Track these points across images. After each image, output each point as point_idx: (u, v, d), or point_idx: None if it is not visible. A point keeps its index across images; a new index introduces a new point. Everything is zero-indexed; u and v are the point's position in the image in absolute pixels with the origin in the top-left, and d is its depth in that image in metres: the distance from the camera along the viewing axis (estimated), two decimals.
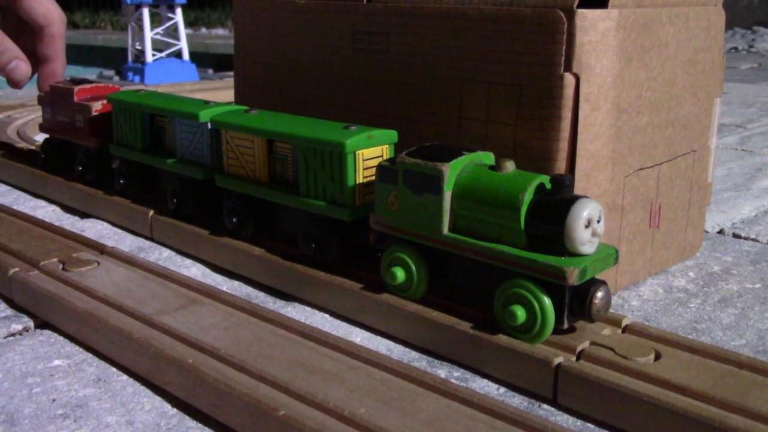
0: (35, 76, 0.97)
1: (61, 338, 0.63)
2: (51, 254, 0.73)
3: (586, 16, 0.62)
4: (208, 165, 0.81)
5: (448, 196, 0.58)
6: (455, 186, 0.58)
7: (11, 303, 0.70)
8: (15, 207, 0.96)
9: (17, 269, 0.70)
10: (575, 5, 0.62)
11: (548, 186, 0.56)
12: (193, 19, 6.19)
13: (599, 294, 0.54)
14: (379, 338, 0.63)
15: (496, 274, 0.57)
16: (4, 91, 2.13)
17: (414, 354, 0.60)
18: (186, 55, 2.44)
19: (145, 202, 0.89)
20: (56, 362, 0.59)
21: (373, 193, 0.65)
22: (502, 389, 0.55)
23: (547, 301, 0.54)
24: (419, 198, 0.59)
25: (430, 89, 0.73)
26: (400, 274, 0.62)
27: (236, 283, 0.74)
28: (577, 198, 0.54)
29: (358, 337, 0.63)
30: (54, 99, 1.00)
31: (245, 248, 0.74)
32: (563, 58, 0.63)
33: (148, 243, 0.85)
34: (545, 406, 0.53)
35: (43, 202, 1.02)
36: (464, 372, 0.57)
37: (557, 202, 0.54)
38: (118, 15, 6.50)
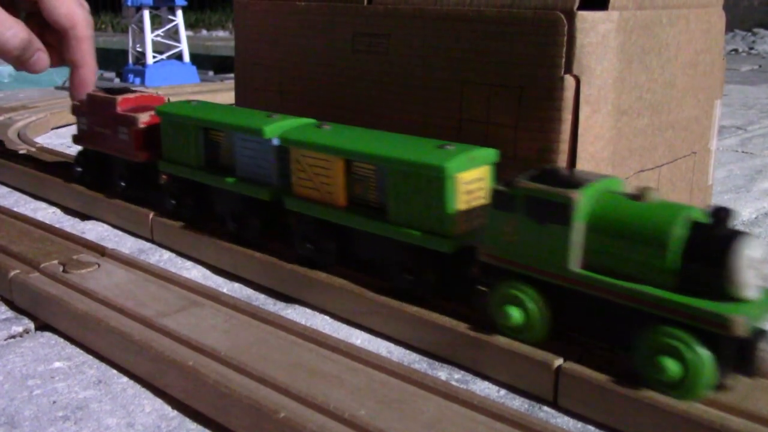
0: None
1: (62, 340, 0.63)
2: (51, 256, 0.73)
3: (586, 18, 0.62)
4: (274, 185, 0.73)
5: (578, 227, 0.51)
6: (589, 216, 0.51)
7: (12, 305, 0.70)
8: (15, 209, 0.95)
9: (18, 271, 0.70)
10: (575, 7, 0.62)
11: (700, 218, 0.49)
12: (193, 21, 6.19)
13: (765, 346, 0.47)
14: (379, 340, 0.63)
15: (637, 318, 0.49)
16: (5, 93, 2.13)
17: (414, 356, 0.60)
18: (186, 57, 2.44)
19: (202, 225, 0.81)
20: (57, 364, 0.59)
21: (474, 220, 0.60)
22: (503, 391, 0.55)
23: (705, 354, 0.47)
24: (542, 228, 0.52)
25: (430, 91, 0.73)
26: (516, 314, 0.54)
27: (237, 285, 0.74)
28: (739, 234, 0.47)
29: (359, 339, 0.63)
30: (92, 109, 0.92)
31: (245, 251, 0.74)
32: (564, 60, 0.63)
33: (148, 245, 0.85)
34: (546, 408, 0.53)
35: (43, 204, 1.02)
36: (465, 374, 0.57)
37: (715, 238, 0.47)
38: (118, 17, 6.50)
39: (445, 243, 0.59)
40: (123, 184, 0.90)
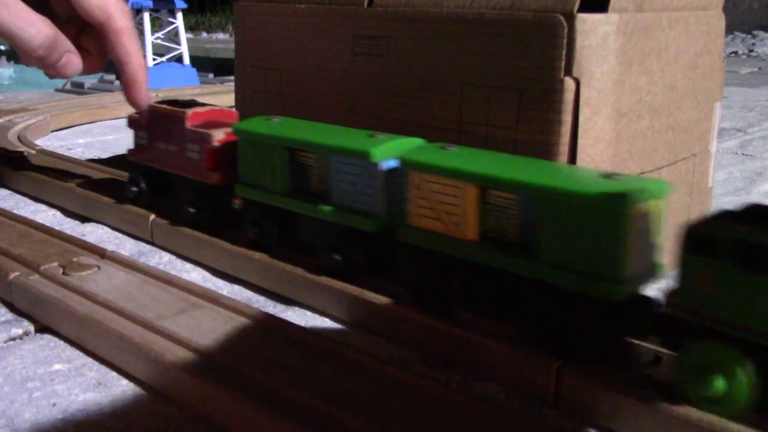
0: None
1: (62, 342, 0.63)
2: (51, 258, 0.73)
3: (586, 21, 0.62)
4: (380, 215, 0.64)
5: None
6: None
7: (11, 307, 0.70)
8: (15, 211, 0.95)
9: (18, 273, 0.70)
10: (575, 9, 0.62)
11: None
12: (193, 23, 6.20)
13: None
14: (379, 342, 0.63)
15: None
16: (5, 95, 2.13)
17: (414, 358, 0.60)
18: (187, 60, 2.44)
19: (288, 256, 0.73)
20: (56, 366, 0.59)
21: (641, 262, 0.52)
22: (503, 393, 0.55)
23: None
24: (758, 280, 0.43)
25: (430, 93, 0.73)
26: (719, 383, 0.46)
27: (236, 287, 0.74)
28: None
29: (359, 341, 0.63)
30: (155, 123, 0.84)
31: (245, 252, 0.74)
32: (563, 62, 0.63)
33: (148, 247, 0.85)
34: (546, 410, 0.53)
35: (43, 206, 1.02)
36: (465, 376, 0.57)
37: None
38: None
39: (615, 289, 0.50)
40: (192, 209, 0.81)
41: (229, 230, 0.78)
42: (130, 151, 0.89)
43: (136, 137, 0.87)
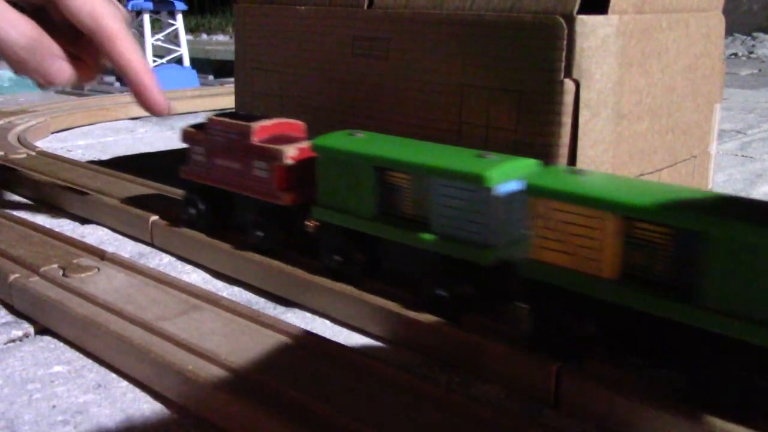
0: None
1: (62, 344, 0.63)
2: (51, 260, 0.73)
3: (586, 22, 0.62)
4: (495, 245, 0.58)
5: None
6: None
7: (11, 309, 0.70)
8: (15, 213, 0.95)
9: (17, 275, 0.70)
10: (575, 11, 0.62)
11: None
12: (193, 25, 6.20)
13: None
14: (379, 344, 0.63)
15: None
16: (5, 97, 2.13)
17: (415, 359, 0.60)
18: (187, 61, 2.44)
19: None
20: (56, 368, 0.59)
21: None
22: (504, 395, 0.55)
23: None
24: None
25: (430, 95, 0.73)
26: None
27: (237, 289, 0.74)
28: None
29: (359, 343, 0.63)
30: (214, 138, 0.77)
31: (246, 254, 0.74)
32: (563, 64, 0.63)
33: (148, 249, 0.85)
34: (546, 411, 0.53)
35: (43, 208, 1.02)
36: (465, 377, 0.57)
37: None
38: None
39: None
40: (259, 232, 0.74)
41: (303, 257, 0.72)
42: (184, 168, 0.81)
43: (192, 153, 0.80)
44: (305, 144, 0.71)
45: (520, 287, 0.57)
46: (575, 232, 0.51)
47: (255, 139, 0.73)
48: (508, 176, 0.57)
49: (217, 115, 0.77)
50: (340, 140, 0.67)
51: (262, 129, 0.73)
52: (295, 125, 0.76)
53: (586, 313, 0.52)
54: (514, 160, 0.59)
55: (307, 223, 0.72)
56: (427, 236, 0.60)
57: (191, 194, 0.80)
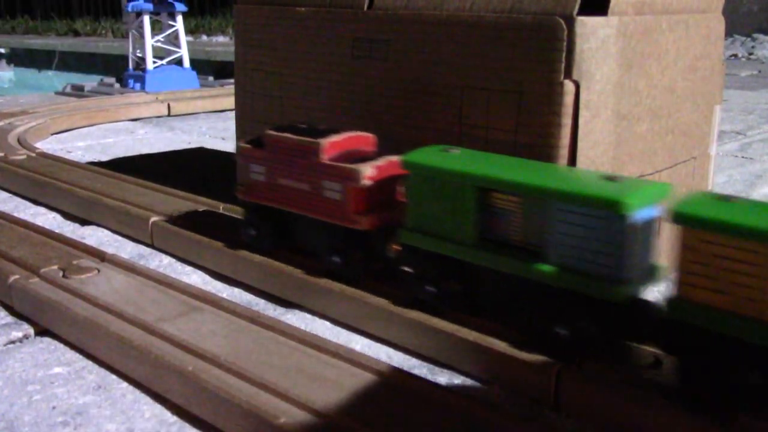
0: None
1: (62, 345, 0.63)
2: (51, 261, 0.73)
3: (586, 24, 0.62)
4: (630, 280, 0.51)
5: None
6: None
7: (11, 310, 0.70)
8: (15, 214, 0.96)
9: (17, 276, 0.70)
10: (575, 12, 0.62)
11: None
12: (193, 26, 6.20)
13: None
14: (379, 345, 0.63)
15: None
16: (5, 98, 2.13)
17: (415, 361, 0.60)
18: (187, 63, 2.44)
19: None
20: (56, 369, 0.59)
21: None
22: (503, 396, 0.55)
23: None
24: None
25: (430, 96, 0.73)
26: None
27: (236, 290, 0.74)
28: None
29: (359, 344, 0.63)
30: (276, 154, 0.71)
31: (245, 255, 0.74)
32: (563, 65, 0.63)
33: (148, 250, 0.85)
34: (546, 412, 0.53)
35: (43, 209, 1.02)
36: (465, 379, 0.57)
37: None
38: (119, 22, 6.52)
39: None
40: (336, 258, 0.67)
41: (386, 287, 0.65)
42: (241, 188, 0.74)
43: (250, 171, 0.73)
44: (382, 161, 0.65)
45: (660, 329, 0.50)
46: (733, 268, 0.45)
47: (324, 157, 0.66)
48: (645, 202, 0.51)
49: (276, 129, 0.71)
50: (434, 157, 0.60)
51: (331, 145, 0.67)
52: (365, 138, 0.70)
53: (747, 362, 0.45)
54: (647, 184, 0.54)
55: (389, 247, 0.65)
56: (543, 267, 0.53)
57: (251, 216, 0.74)
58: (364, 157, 0.66)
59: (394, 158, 0.64)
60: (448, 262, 0.59)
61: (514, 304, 0.57)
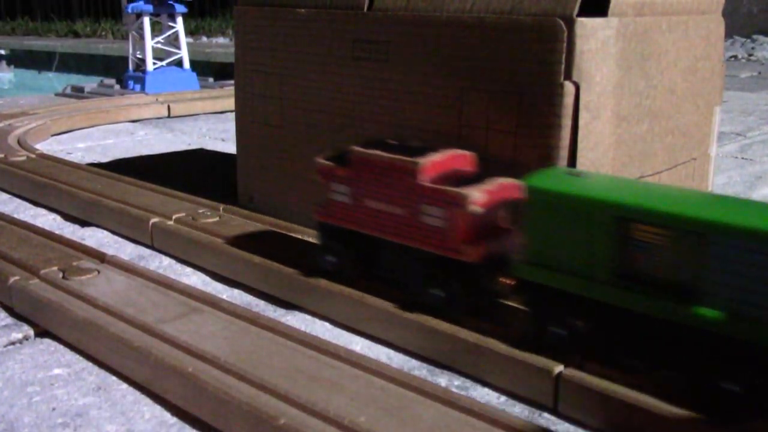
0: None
1: (61, 347, 0.63)
2: (51, 262, 0.73)
3: (586, 25, 0.62)
4: None
5: None
6: None
7: (11, 311, 0.70)
8: (15, 215, 0.96)
9: (17, 277, 0.70)
10: (575, 14, 0.62)
11: None
12: (193, 27, 6.20)
13: None
14: (379, 346, 0.63)
15: None
16: (5, 99, 2.13)
17: (414, 362, 0.60)
18: (187, 64, 2.44)
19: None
20: (56, 371, 0.59)
21: None
22: (503, 398, 0.55)
23: None
24: None
25: (430, 97, 0.73)
26: None
27: (236, 291, 0.74)
28: None
29: (359, 345, 0.63)
30: (364, 175, 0.64)
31: (245, 256, 0.74)
32: (563, 66, 0.63)
33: (148, 251, 0.85)
34: (546, 414, 0.53)
35: (43, 211, 1.02)
36: (465, 380, 0.57)
37: None
38: (119, 24, 6.52)
39: None
40: (438, 292, 0.60)
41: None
42: (320, 209, 0.68)
43: (331, 191, 0.66)
44: (490, 184, 0.59)
45: None
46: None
47: (424, 179, 0.60)
48: None
49: (363, 146, 0.64)
50: (561, 181, 0.54)
51: (432, 166, 0.60)
52: (464, 157, 0.64)
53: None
54: None
55: (498, 281, 0.59)
56: (705, 312, 0.46)
57: (330, 240, 0.68)
58: (467, 179, 0.60)
59: (503, 180, 0.59)
60: (574, 300, 0.52)
61: (659, 350, 0.50)
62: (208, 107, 1.96)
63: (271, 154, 0.91)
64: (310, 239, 0.78)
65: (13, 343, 0.64)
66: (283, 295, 0.71)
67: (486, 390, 0.56)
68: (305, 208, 0.87)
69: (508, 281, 0.58)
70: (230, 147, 1.39)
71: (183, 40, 2.43)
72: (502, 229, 0.60)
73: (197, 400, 0.52)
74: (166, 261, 0.82)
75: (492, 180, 0.60)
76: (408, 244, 0.62)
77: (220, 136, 1.63)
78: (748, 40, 4.40)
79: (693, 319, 0.47)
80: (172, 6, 2.39)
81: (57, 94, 2.32)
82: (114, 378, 0.58)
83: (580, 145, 0.64)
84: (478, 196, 0.58)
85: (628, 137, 0.67)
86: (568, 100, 0.63)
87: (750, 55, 3.98)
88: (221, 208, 0.91)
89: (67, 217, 0.99)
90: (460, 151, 0.63)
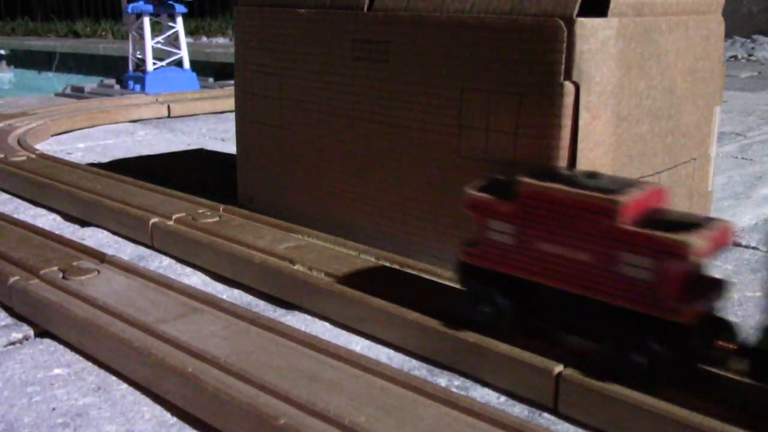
0: None
1: (61, 347, 0.63)
2: (51, 263, 0.73)
3: (585, 25, 0.62)
4: None
5: None
6: None
7: (11, 311, 0.70)
8: (15, 215, 0.96)
9: (17, 278, 0.70)
10: (575, 14, 0.62)
11: None
12: (193, 27, 6.20)
13: None
14: (379, 346, 0.63)
15: None
16: (5, 100, 2.13)
17: (414, 362, 0.60)
18: (187, 64, 2.44)
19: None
20: (56, 371, 0.59)
21: None
22: (503, 398, 0.55)
23: None
24: None
25: (430, 97, 0.73)
26: None
27: (236, 291, 0.74)
28: None
29: (359, 345, 0.63)
30: (538, 211, 0.54)
31: (245, 256, 0.74)
32: (563, 66, 0.63)
33: (148, 251, 0.85)
34: (546, 414, 0.53)
35: (43, 211, 1.02)
36: (465, 380, 0.57)
37: None
38: (119, 24, 6.51)
39: None
40: (639, 358, 0.50)
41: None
42: (468, 249, 0.58)
43: (487, 229, 0.57)
44: (712, 229, 0.49)
45: None
46: None
47: (626, 221, 0.50)
48: None
49: (531, 174, 0.54)
50: None
51: (634, 204, 0.50)
52: (660, 192, 0.54)
53: None
54: None
55: (715, 346, 0.51)
56: None
57: (483, 286, 0.58)
58: (676, 221, 0.50)
59: (720, 223, 0.50)
60: None
61: None
62: (208, 107, 1.96)
63: (271, 154, 0.91)
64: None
65: (13, 343, 0.64)
66: (283, 295, 0.71)
67: (486, 390, 0.56)
68: (305, 208, 0.87)
69: (727, 346, 0.50)
70: (230, 147, 1.39)
71: (183, 40, 2.43)
72: (715, 281, 0.52)
73: (197, 400, 0.52)
74: (166, 261, 0.82)
75: (711, 222, 0.50)
76: (596, 297, 0.52)
77: (220, 136, 1.63)
78: (748, 40, 4.40)
79: None
80: (172, 6, 2.39)
81: (57, 94, 2.32)
82: (114, 378, 0.58)
83: (580, 145, 0.64)
84: (700, 244, 0.47)
85: (628, 137, 0.67)
86: (568, 100, 0.63)
87: (750, 55, 3.98)
88: (221, 208, 0.91)
89: (67, 217, 0.99)
90: (654, 185, 0.54)
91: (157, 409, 0.54)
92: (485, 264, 0.57)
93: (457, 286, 0.63)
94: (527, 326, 0.57)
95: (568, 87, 0.63)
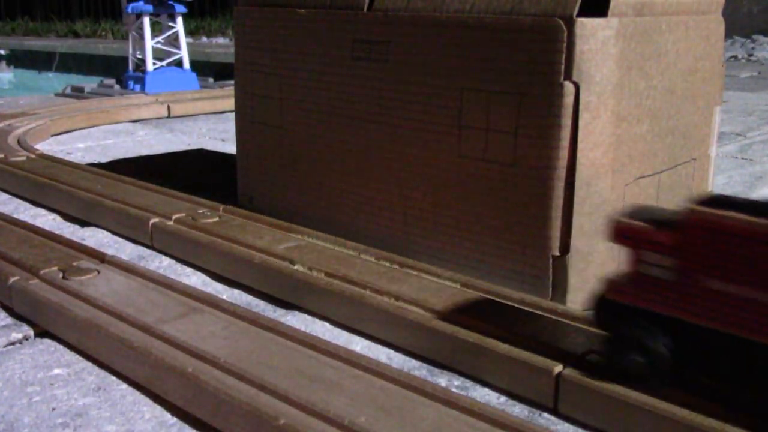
0: None
1: (61, 347, 0.63)
2: (51, 263, 0.73)
3: (585, 25, 0.62)
4: None
5: None
6: None
7: (11, 311, 0.70)
8: (15, 215, 0.96)
9: (17, 278, 0.70)
10: (575, 14, 0.62)
11: None
12: (193, 27, 6.20)
13: None
14: (379, 347, 0.63)
15: None
16: (5, 100, 2.13)
17: (414, 363, 0.60)
18: (186, 64, 2.44)
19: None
20: (56, 371, 0.59)
21: None
22: (503, 398, 0.55)
23: None
24: None
25: (429, 97, 0.73)
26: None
27: (236, 291, 0.74)
28: None
29: (359, 345, 0.63)
30: (710, 243, 0.46)
31: (245, 256, 0.74)
32: (563, 66, 0.63)
33: (148, 251, 0.85)
34: (546, 414, 0.53)
35: (43, 211, 1.02)
36: (465, 381, 0.57)
37: None
38: (119, 24, 6.51)
39: None
40: None
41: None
42: (616, 285, 0.51)
43: (641, 263, 0.49)
44: None
45: None
46: None
47: None
48: None
49: (702, 202, 0.47)
50: None
51: None
52: None
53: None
54: None
55: None
56: None
57: (634, 329, 0.50)
58: None
59: None
60: None
61: None
62: (208, 107, 1.96)
63: (271, 154, 0.91)
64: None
65: (13, 343, 0.64)
66: (283, 295, 0.71)
67: (486, 390, 0.56)
68: (305, 208, 0.87)
69: None
70: (230, 147, 1.39)
71: (183, 40, 2.43)
72: None
73: (197, 400, 0.52)
74: (166, 261, 0.82)
75: None
76: None
77: (220, 136, 1.63)
78: (748, 40, 4.40)
79: None
80: (172, 6, 2.39)
81: (57, 95, 2.32)
82: (114, 378, 0.58)
83: (580, 146, 0.64)
84: None
85: (628, 137, 0.67)
86: (568, 100, 0.63)
87: (750, 55, 3.98)
88: (221, 209, 0.91)
89: (67, 217, 0.99)
90: None
91: (157, 409, 0.54)
92: (639, 303, 0.49)
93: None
94: (689, 380, 0.50)
95: (568, 87, 0.63)
